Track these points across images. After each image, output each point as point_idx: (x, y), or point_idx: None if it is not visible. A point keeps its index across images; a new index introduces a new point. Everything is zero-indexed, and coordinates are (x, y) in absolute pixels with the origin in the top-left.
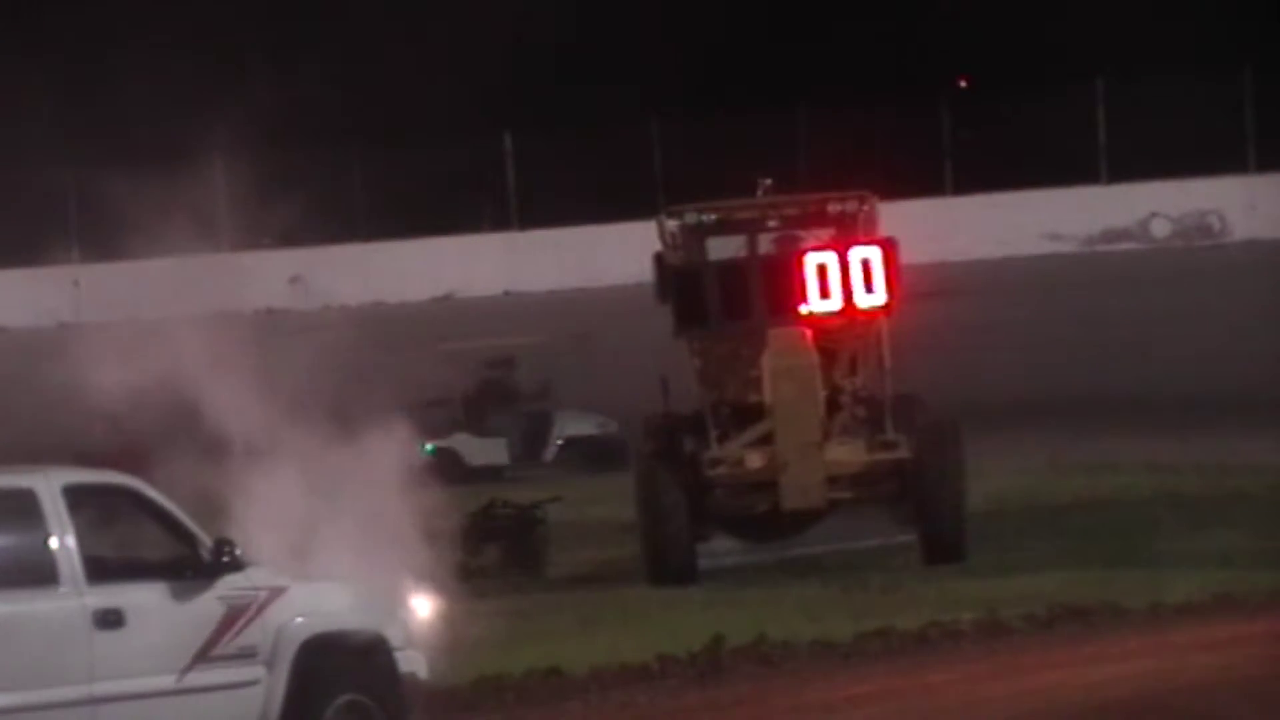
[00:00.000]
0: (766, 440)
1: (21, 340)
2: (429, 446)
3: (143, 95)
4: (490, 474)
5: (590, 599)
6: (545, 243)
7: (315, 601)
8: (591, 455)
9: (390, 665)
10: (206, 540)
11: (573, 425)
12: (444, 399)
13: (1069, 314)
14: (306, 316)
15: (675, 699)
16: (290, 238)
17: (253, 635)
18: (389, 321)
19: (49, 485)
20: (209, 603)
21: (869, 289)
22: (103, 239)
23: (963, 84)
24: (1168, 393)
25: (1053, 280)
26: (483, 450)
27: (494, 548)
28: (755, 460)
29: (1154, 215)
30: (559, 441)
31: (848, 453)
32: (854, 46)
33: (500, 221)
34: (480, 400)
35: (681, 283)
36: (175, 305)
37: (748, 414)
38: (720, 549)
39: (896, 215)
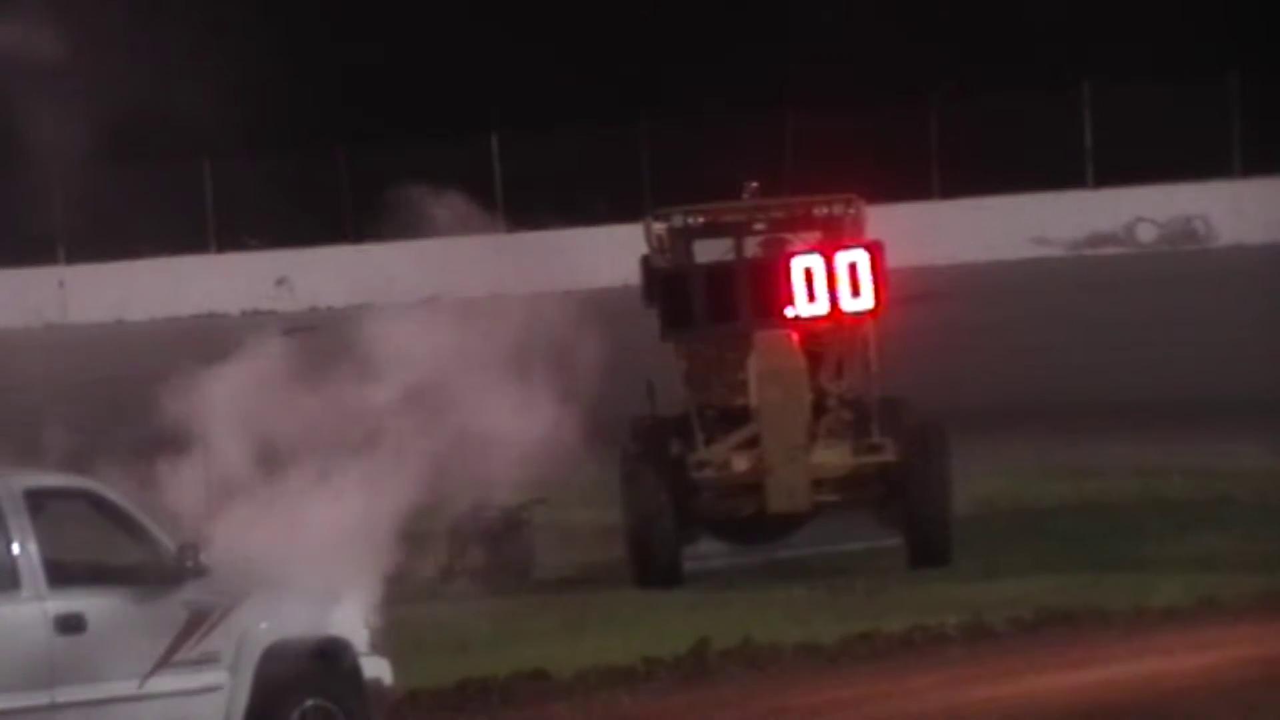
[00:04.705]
0: (753, 443)
1: (7, 341)
2: None
3: (131, 95)
4: None
5: (576, 601)
6: (531, 245)
7: (279, 606)
8: None
9: (354, 670)
10: (170, 544)
11: None
12: None
13: (1055, 318)
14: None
15: (660, 701)
16: (277, 239)
17: (216, 640)
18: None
19: (10, 489)
20: (172, 608)
21: (855, 292)
22: (89, 239)
23: (949, 87)
24: (1154, 397)
25: (1039, 284)
26: None
27: (480, 549)
28: (741, 463)
29: (1140, 220)
30: None
31: (834, 456)
32: (840, 49)
33: (486, 223)
34: None
35: (668, 286)
36: (161, 305)
37: (734, 417)
38: (706, 551)
39: (883, 218)
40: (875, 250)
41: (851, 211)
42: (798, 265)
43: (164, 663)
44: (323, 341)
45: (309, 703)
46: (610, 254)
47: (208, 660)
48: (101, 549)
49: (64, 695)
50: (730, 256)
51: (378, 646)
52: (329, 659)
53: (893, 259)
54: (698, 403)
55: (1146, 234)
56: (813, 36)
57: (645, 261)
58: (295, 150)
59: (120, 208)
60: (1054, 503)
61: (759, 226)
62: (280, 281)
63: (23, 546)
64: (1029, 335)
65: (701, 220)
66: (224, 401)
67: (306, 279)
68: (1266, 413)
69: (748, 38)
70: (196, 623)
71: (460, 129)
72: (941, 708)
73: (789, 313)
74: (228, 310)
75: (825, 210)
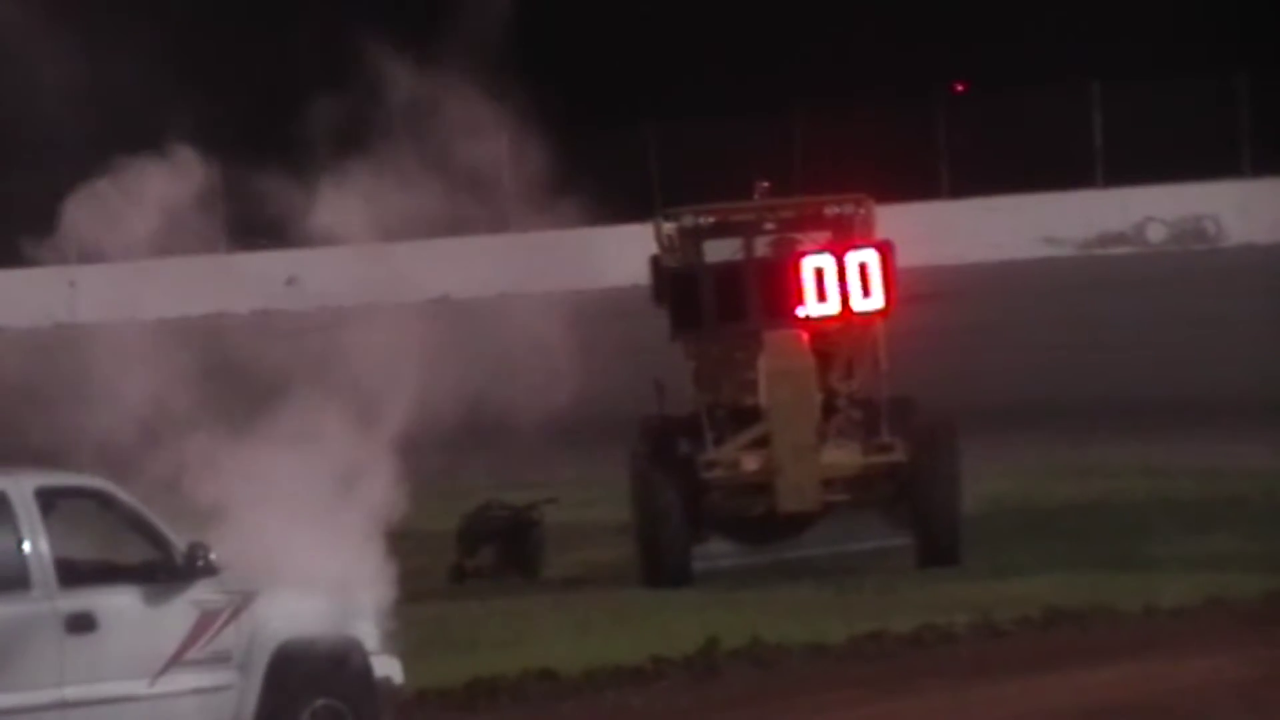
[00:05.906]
0: (762, 443)
1: (18, 340)
2: None
3: (136, 92)
4: None
5: (585, 600)
6: (541, 245)
7: (289, 606)
8: None
9: (365, 670)
10: (180, 544)
11: None
12: None
13: (1064, 318)
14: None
15: (669, 701)
16: (286, 238)
17: (226, 640)
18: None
19: (20, 488)
20: (182, 607)
21: (866, 292)
22: (99, 239)
23: (959, 87)
24: (1162, 396)
25: (1048, 284)
26: None
27: (490, 549)
28: (751, 463)
29: (1149, 219)
30: None
31: (843, 455)
32: (850, 50)
33: (496, 224)
34: None
35: (678, 285)
36: (172, 306)
37: (744, 416)
38: (715, 551)
39: (893, 218)
40: (885, 250)
41: (861, 211)
42: (808, 265)
43: (174, 662)
44: (329, 340)
45: (319, 702)
46: (620, 253)
47: (218, 659)
48: (112, 548)
49: (74, 694)
50: (740, 256)
51: (388, 646)
52: (339, 658)
53: (903, 259)
54: (707, 402)
55: (1156, 233)
56: (822, 37)
57: (655, 261)
58: (304, 150)
59: (128, 207)
60: (1063, 502)
61: (769, 226)
62: (289, 281)
63: (33, 545)
64: (1038, 335)
65: (711, 220)
66: (229, 400)
67: (315, 279)
68: (1275, 413)
69: (758, 38)
70: (207, 622)
71: (469, 130)
72: (949, 706)
73: (799, 312)
74: (237, 310)
75: (835, 210)
